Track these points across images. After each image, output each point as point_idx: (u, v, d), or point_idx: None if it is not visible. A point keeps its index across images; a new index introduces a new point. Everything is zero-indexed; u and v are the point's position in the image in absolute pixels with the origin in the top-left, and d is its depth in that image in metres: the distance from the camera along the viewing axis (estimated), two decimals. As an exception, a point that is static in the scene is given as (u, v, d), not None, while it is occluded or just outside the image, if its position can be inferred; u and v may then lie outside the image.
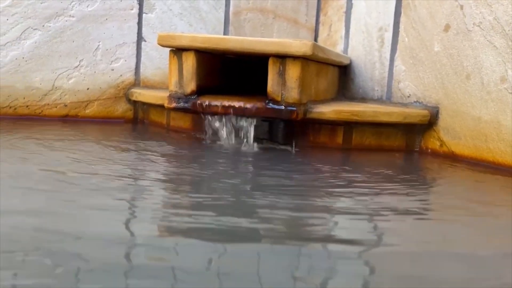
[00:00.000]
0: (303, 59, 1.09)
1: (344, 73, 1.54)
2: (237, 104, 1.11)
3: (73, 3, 1.44)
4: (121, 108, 1.55)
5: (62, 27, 1.44)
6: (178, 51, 1.18)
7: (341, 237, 0.62)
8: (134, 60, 1.55)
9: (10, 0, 1.37)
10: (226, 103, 1.11)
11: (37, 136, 1.17)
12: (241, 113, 1.11)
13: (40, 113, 1.45)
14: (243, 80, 1.45)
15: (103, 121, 1.52)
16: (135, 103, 1.55)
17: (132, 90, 1.51)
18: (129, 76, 1.54)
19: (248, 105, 1.10)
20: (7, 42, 1.38)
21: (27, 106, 1.44)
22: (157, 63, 1.57)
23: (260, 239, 0.59)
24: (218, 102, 1.12)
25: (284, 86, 1.10)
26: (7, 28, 1.38)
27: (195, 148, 1.20)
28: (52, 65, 1.44)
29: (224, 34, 1.62)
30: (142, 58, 1.56)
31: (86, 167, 0.90)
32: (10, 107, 1.42)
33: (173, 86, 1.20)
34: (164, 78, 1.60)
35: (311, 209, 0.73)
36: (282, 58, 1.09)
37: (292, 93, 1.10)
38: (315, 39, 1.70)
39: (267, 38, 1.64)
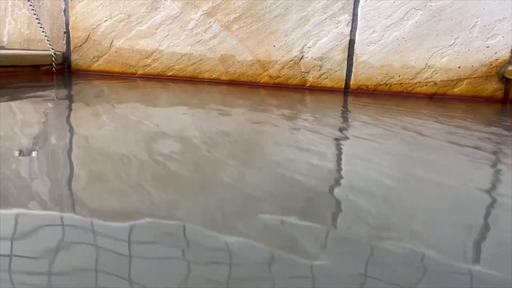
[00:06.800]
0: None
1: None
2: None
3: (457, -21, 1.42)
4: (491, 88, 1.47)
5: (442, 6, 1.44)
6: None
7: None
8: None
9: (399, -17, 1.46)
10: None
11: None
12: None
13: (411, 90, 1.52)
14: None
15: (469, 100, 1.48)
16: (507, 82, 1.45)
17: None
18: (504, 54, 1.45)
19: None
20: (391, 24, 1.48)
21: (400, 84, 1.52)
22: (539, 38, 1.42)
23: None
24: None
25: None
26: (393, 10, 1.47)
27: None
28: (428, 44, 1.48)
29: None
30: (523, 33, 1.43)
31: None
32: (386, 84, 1.53)
33: None
34: (545, 54, 1.44)
35: None
36: None
37: None
38: None
39: None
